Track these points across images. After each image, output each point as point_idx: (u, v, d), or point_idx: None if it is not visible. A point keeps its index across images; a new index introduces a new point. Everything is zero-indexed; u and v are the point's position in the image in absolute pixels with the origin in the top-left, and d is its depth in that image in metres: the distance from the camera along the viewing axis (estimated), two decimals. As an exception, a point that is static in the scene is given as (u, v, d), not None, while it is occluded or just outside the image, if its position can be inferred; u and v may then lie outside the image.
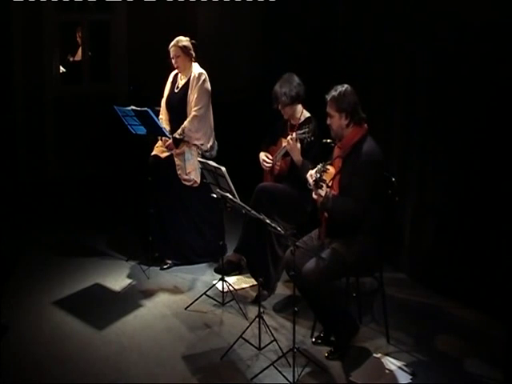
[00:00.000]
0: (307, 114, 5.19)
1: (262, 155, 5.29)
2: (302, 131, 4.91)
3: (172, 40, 5.53)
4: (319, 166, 4.23)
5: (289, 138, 4.92)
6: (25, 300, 5.06)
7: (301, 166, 4.90)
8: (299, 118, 5.19)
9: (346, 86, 4.30)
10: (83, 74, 8.07)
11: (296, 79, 5.12)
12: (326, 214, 4.29)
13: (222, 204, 4.98)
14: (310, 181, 4.22)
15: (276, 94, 5.09)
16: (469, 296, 4.98)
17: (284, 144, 5.04)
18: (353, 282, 4.66)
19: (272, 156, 5.25)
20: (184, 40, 5.52)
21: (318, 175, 4.16)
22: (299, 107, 5.18)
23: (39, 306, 4.99)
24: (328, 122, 4.32)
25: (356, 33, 5.98)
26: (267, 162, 5.23)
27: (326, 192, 4.18)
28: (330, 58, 6.34)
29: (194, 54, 5.56)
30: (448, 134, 5.11)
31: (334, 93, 4.28)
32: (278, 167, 5.22)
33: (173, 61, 5.52)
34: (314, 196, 4.26)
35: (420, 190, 5.41)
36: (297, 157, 4.92)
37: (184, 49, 5.49)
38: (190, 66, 5.58)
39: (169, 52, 5.51)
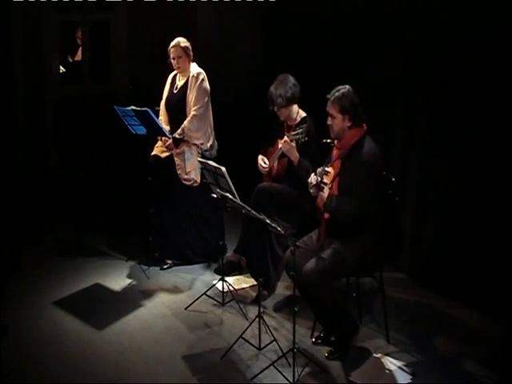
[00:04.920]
0: (303, 114, 5.19)
1: (260, 159, 5.29)
2: (295, 132, 4.93)
3: (172, 40, 5.54)
4: (319, 170, 4.22)
5: (283, 140, 4.95)
6: (25, 300, 5.06)
7: (298, 164, 4.91)
8: (295, 119, 5.18)
9: (347, 86, 4.28)
10: (83, 74, 8.07)
11: (291, 80, 5.11)
12: (326, 215, 4.29)
13: (221, 204, 4.98)
14: (312, 185, 4.21)
15: (271, 96, 5.08)
16: (469, 296, 4.98)
17: (280, 145, 5.05)
18: (353, 282, 4.67)
19: (269, 158, 5.25)
20: (184, 40, 5.53)
21: (319, 178, 4.16)
22: (295, 107, 5.17)
23: (39, 306, 4.99)
24: (329, 122, 4.29)
25: (356, 32, 5.98)
26: (263, 167, 5.24)
27: (329, 192, 4.18)
28: (330, 58, 6.34)
29: (192, 55, 5.57)
30: (448, 134, 5.11)
31: (337, 93, 4.25)
32: (275, 169, 5.23)
33: (173, 61, 5.52)
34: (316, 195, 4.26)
35: (420, 189, 5.41)
36: (294, 156, 4.93)
37: (186, 49, 5.51)
38: (190, 67, 5.59)
39: (168, 53, 5.52)
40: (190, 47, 5.55)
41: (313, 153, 4.89)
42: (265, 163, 5.24)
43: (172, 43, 5.52)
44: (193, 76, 5.55)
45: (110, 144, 7.81)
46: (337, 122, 4.26)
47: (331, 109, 4.26)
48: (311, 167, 4.56)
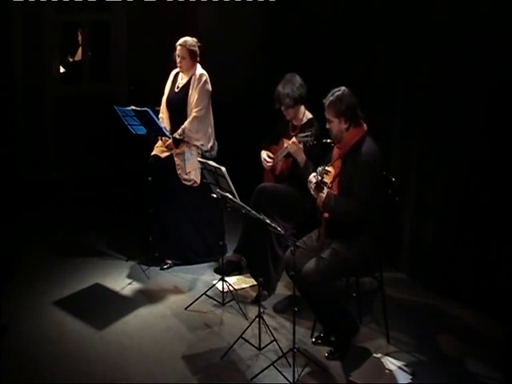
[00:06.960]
0: (309, 115, 5.18)
1: (264, 154, 5.28)
2: (304, 134, 4.89)
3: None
4: (320, 169, 4.22)
5: (291, 141, 4.90)
6: (25, 300, 5.06)
7: (304, 166, 4.89)
8: (301, 119, 5.18)
9: (342, 88, 4.28)
10: (83, 74, 8.07)
11: (298, 80, 5.09)
12: (326, 215, 4.29)
13: (221, 204, 4.98)
14: (312, 184, 4.21)
15: (279, 95, 5.07)
16: (469, 296, 4.98)
17: (286, 145, 5.03)
18: (353, 282, 4.66)
19: (273, 155, 5.24)
20: (192, 43, 5.48)
21: (319, 178, 4.16)
22: (302, 108, 5.17)
23: (39, 306, 4.99)
24: (327, 126, 4.31)
25: (356, 33, 5.98)
26: (268, 162, 5.23)
27: (328, 192, 4.18)
28: (330, 59, 6.34)
29: (198, 59, 5.55)
30: (448, 134, 5.11)
31: (331, 98, 4.25)
32: (279, 167, 5.22)
33: (178, 59, 5.50)
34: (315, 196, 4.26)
35: (420, 189, 5.41)
36: (301, 158, 4.89)
37: (191, 52, 5.47)
38: (193, 68, 5.57)
39: (173, 48, 5.47)
40: (198, 51, 5.49)
41: (317, 155, 4.88)
42: (269, 158, 5.24)
43: (180, 40, 5.47)
44: (195, 77, 5.52)
45: (109, 144, 7.81)
46: (334, 125, 4.27)
47: (327, 113, 4.28)
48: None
